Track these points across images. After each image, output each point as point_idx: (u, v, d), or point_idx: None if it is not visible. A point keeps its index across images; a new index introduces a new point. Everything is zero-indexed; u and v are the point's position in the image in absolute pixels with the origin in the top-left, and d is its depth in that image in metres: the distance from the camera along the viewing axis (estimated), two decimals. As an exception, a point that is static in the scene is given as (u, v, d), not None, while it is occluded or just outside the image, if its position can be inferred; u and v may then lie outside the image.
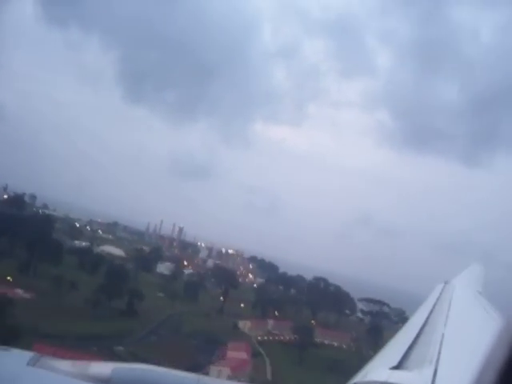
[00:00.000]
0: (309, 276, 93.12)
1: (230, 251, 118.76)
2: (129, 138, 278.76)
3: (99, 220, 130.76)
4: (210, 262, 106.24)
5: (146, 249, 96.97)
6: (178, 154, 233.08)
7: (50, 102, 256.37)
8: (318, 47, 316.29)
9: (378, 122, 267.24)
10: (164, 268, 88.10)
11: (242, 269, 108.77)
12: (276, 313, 73.91)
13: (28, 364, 3.17)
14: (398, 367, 3.54)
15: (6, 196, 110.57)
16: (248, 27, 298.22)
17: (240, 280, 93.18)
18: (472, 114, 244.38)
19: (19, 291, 58.34)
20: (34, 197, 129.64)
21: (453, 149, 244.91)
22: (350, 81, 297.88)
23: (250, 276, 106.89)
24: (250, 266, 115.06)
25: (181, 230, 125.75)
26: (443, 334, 4.65)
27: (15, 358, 3.29)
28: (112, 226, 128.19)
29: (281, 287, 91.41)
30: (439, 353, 3.87)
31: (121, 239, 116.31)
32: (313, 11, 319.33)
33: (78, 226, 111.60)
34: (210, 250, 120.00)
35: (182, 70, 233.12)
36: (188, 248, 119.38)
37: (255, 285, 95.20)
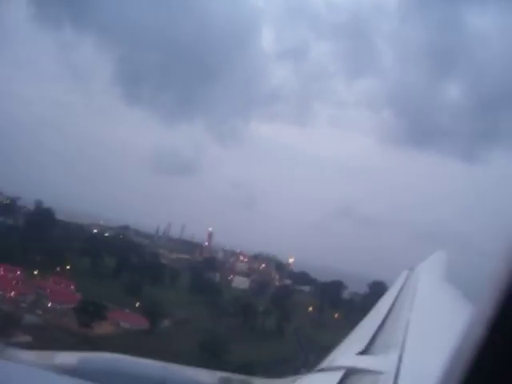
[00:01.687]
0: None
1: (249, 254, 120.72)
2: (125, 139, 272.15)
3: (110, 225, 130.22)
4: (261, 269, 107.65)
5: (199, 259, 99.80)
6: (174, 155, 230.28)
7: (43, 104, 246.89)
8: (325, 48, 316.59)
9: (382, 120, 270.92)
10: (239, 282, 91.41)
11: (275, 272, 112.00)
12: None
13: None
14: (364, 352, 3.58)
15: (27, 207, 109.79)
16: (252, 27, 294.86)
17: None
18: (473, 113, 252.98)
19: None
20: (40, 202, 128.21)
21: (453, 145, 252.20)
22: (356, 81, 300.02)
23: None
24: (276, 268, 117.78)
25: (211, 234, 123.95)
26: (408, 320, 4.69)
27: None
28: (124, 231, 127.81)
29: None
30: (404, 338, 3.89)
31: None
32: (321, 12, 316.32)
33: (96, 232, 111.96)
34: (230, 253, 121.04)
35: (182, 71, 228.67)
36: (216, 253, 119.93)
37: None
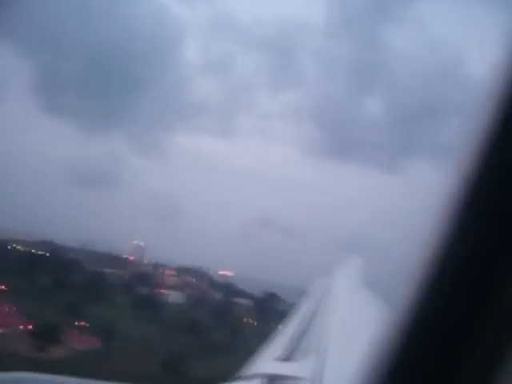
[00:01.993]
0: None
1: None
2: (44, 151, 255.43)
3: (32, 240, 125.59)
4: (192, 282, 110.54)
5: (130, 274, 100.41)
6: (96, 167, 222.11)
7: None
8: (251, 62, 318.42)
9: (305, 133, 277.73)
10: (175, 297, 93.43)
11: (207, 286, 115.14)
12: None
13: None
14: (284, 359, 3.61)
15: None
16: (177, 39, 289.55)
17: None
18: (392, 126, 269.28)
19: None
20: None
21: (373, 158, 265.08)
22: (280, 95, 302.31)
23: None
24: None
25: (141, 248, 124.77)
26: (327, 324, 4.78)
27: None
28: (48, 246, 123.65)
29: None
30: (325, 342, 3.92)
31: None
32: (247, 26, 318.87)
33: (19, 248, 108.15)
34: (158, 266, 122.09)
35: (104, 81, 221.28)
36: (145, 267, 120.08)
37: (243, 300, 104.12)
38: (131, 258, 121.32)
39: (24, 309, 71.36)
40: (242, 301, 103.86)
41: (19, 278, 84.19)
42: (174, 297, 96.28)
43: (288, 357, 3.63)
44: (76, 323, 69.08)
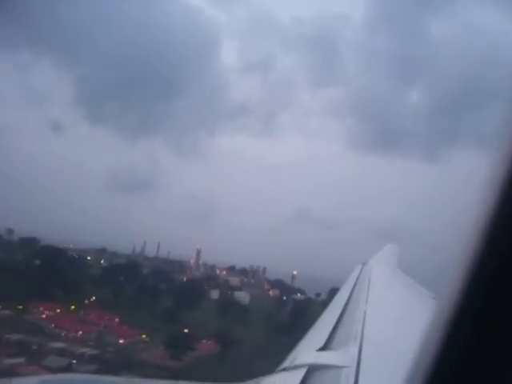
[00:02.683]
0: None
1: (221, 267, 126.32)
2: (87, 160, 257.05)
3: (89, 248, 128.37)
4: (252, 282, 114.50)
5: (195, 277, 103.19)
6: (136, 172, 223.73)
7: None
8: (290, 60, 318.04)
9: (346, 128, 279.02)
10: (242, 297, 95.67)
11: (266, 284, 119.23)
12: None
13: None
14: (324, 348, 3.69)
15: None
16: (215, 41, 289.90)
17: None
18: (433, 116, 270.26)
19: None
20: (11, 230, 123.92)
21: (412, 147, 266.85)
22: (321, 91, 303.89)
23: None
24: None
25: (198, 251, 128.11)
26: (365, 312, 4.82)
27: None
28: (102, 254, 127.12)
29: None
30: (363, 330, 4.01)
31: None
32: (286, 24, 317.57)
33: (87, 259, 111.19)
34: (211, 268, 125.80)
35: (143, 88, 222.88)
36: (204, 269, 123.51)
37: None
38: (191, 261, 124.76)
39: (127, 319, 75.06)
40: (302, 297, 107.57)
41: (106, 289, 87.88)
42: (241, 297, 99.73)
43: (329, 346, 3.69)
44: (184, 330, 72.50)
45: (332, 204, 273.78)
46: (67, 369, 54.21)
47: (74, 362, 56.91)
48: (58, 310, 74.90)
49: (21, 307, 73.57)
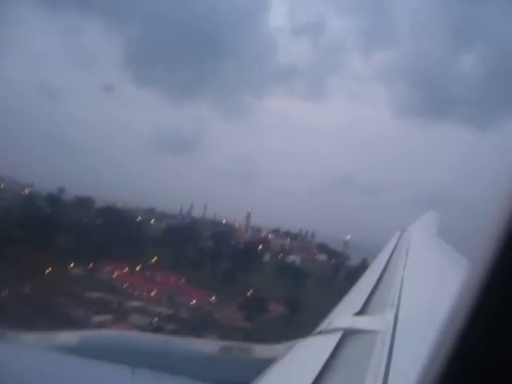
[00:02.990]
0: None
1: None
2: (134, 121, 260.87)
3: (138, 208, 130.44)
4: (300, 245, 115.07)
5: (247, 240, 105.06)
6: (182, 134, 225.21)
7: (52, 90, 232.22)
8: (342, 22, 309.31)
9: (397, 93, 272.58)
10: (294, 261, 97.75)
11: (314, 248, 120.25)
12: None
13: None
14: (360, 313, 3.62)
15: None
16: (264, 2, 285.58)
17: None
18: (487, 82, 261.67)
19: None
20: (62, 189, 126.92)
21: (464, 114, 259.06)
22: (372, 55, 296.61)
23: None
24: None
25: (249, 215, 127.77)
26: (402, 278, 4.75)
27: None
28: (151, 214, 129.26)
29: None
30: (400, 296, 3.93)
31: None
32: None
33: (140, 219, 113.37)
34: (257, 230, 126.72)
35: (191, 50, 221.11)
36: (254, 232, 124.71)
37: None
38: (241, 223, 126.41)
39: (191, 280, 77.26)
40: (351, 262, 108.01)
41: (166, 250, 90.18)
42: (299, 261, 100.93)
43: (364, 310, 3.68)
44: (248, 292, 74.31)
45: (377, 170, 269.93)
46: (149, 328, 56.49)
47: (155, 320, 59.12)
48: (125, 270, 77.43)
49: (90, 266, 76.36)
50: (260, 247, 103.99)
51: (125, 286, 70.77)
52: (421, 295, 4.05)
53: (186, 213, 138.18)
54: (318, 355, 2.72)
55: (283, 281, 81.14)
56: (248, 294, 71.13)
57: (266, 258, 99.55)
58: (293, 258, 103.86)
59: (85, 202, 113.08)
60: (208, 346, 3.83)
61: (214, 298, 71.50)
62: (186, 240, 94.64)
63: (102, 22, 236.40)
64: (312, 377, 2.27)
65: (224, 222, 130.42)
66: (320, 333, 3.41)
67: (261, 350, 3.91)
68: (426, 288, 4.29)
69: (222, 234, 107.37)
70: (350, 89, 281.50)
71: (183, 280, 77.27)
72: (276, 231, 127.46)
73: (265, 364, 2.92)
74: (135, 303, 64.35)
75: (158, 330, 52.08)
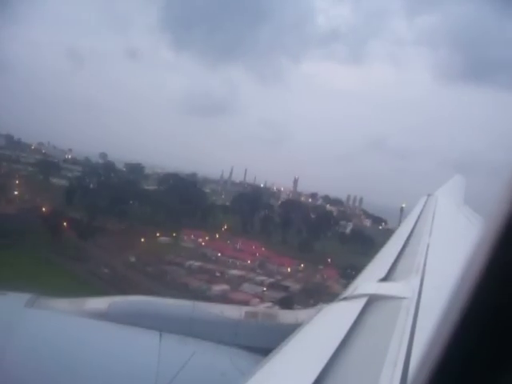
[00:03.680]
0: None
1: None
2: (171, 85, 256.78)
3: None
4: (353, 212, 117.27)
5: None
6: (217, 97, 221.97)
7: (90, 53, 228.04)
8: None
9: (439, 57, 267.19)
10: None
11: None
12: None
13: (26, 305, 3.32)
14: (385, 279, 3.59)
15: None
16: None
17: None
18: None
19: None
20: (105, 155, 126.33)
21: (508, 80, 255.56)
22: (415, 19, 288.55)
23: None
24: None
25: (296, 180, 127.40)
26: (428, 244, 4.75)
27: (12, 301, 3.42)
28: (194, 178, 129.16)
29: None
30: (425, 262, 3.94)
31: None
32: None
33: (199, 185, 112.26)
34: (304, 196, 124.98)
35: (230, 13, 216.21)
36: (302, 197, 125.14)
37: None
38: (287, 189, 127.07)
39: (270, 247, 79.21)
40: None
41: (233, 217, 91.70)
42: (358, 227, 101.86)
43: (390, 276, 3.64)
44: (328, 259, 76.58)
45: (415, 133, 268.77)
46: (261, 296, 58.54)
47: (264, 289, 61.21)
48: (207, 238, 78.90)
49: (174, 234, 77.82)
50: (326, 215, 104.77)
51: (216, 254, 72.42)
52: (446, 262, 3.87)
53: (227, 177, 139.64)
54: (343, 321, 2.75)
55: (353, 247, 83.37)
56: (329, 261, 73.32)
57: (332, 225, 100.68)
58: (347, 224, 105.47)
59: (136, 169, 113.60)
60: (234, 311, 3.82)
61: (302, 265, 73.62)
62: (252, 207, 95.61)
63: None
64: (336, 342, 2.30)
65: (267, 186, 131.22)
66: (345, 298, 3.39)
67: (286, 316, 3.92)
68: (451, 256, 4.05)
69: (288, 202, 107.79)
70: (391, 53, 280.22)
71: (263, 247, 79.06)
72: (327, 198, 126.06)
73: (290, 329, 2.97)
74: (236, 272, 66.12)
75: (285, 302, 53.50)
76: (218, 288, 58.12)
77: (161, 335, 3.42)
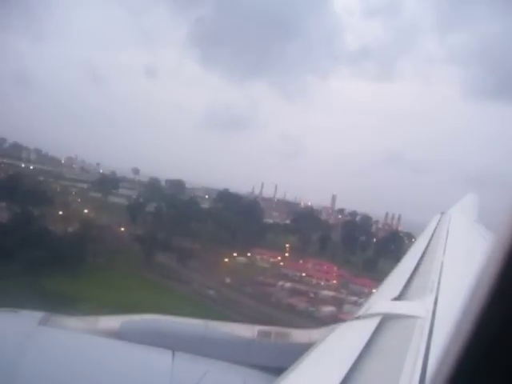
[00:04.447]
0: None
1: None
2: (197, 101, 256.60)
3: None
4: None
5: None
6: (242, 113, 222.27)
7: (118, 69, 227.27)
8: (416, 3, 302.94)
9: (469, 75, 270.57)
10: None
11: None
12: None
13: (39, 323, 3.33)
14: (399, 298, 3.56)
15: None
16: None
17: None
18: None
19: None
20: (137, 171, 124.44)
21: None
22: (445, 36, 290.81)
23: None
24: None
25: (334, 197, 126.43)
26: (442, 263, 4.72)
27: (26, 319, 3.43)
28: (228, 195, 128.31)
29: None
30: (439, 281, 3.87)
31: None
32: None
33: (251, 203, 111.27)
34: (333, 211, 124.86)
35: (259, 30, 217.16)
36: (341, 215, 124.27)
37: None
38: (326, 206, 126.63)
39: (345, 267, 79.17)
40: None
41: (293, 236, 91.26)
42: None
43: (403, 295, 3.62)
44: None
45: (442, 149, 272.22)
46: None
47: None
48: (279, 257, 78.70)
49: (249, 254, 77.35)
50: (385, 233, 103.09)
51: (298, 274, 72.25)
52: (460, 281, 3.72)
53: (258, 193, 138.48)
54: (356, 340, 2.71)
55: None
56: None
57: (390, 243, 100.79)
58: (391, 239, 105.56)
59: (178, 185, 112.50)
60: (246, 330, 3.79)
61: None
62: (310, 226, 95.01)
63: (170, 2, 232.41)
64: (350, 362, 2.27)
65: (300, 202, 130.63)
66: (359, 317, 3.38)
67: (299, 335, 3.90)
68: (465, 274, 3.67)
69: (349, 222, 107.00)
70: (420, 70, 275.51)
71: (335, 267, 79.11)
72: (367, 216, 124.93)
73: (303, 349, 2.94)
74: (327, 292, 66.09)
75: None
76: (326, 309, 57.99)
77: (173, 354, 3.39)
